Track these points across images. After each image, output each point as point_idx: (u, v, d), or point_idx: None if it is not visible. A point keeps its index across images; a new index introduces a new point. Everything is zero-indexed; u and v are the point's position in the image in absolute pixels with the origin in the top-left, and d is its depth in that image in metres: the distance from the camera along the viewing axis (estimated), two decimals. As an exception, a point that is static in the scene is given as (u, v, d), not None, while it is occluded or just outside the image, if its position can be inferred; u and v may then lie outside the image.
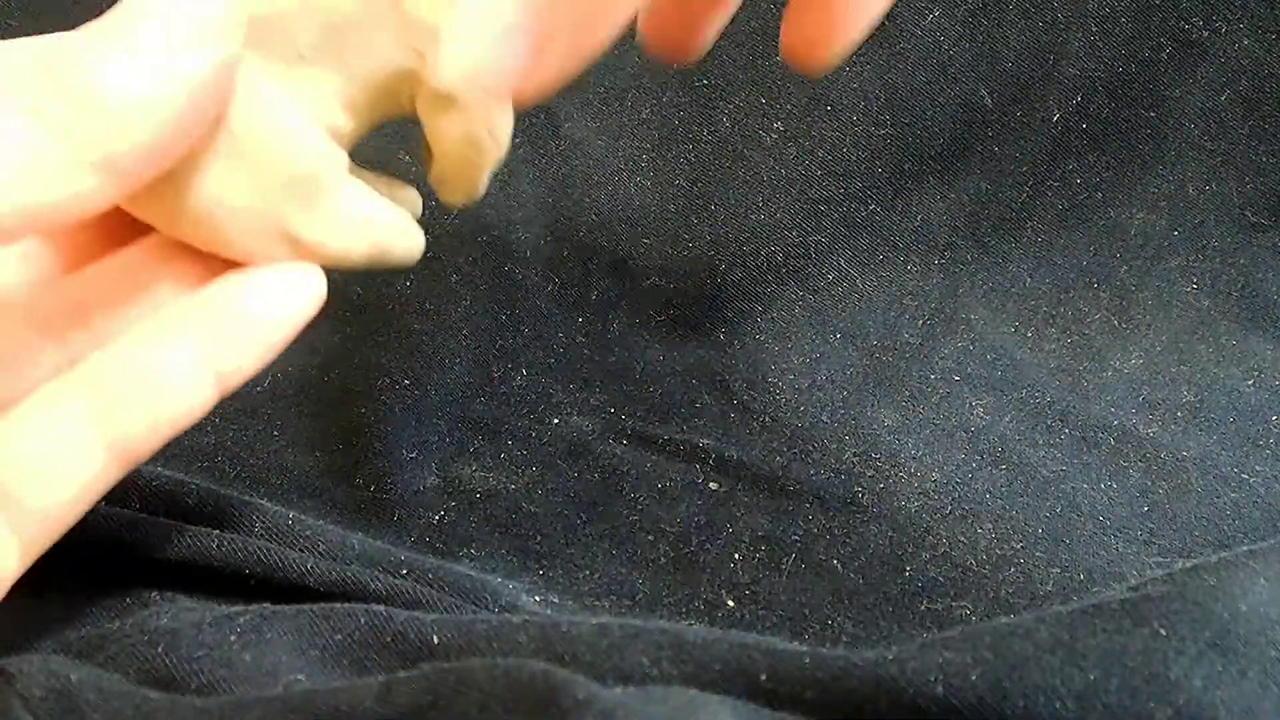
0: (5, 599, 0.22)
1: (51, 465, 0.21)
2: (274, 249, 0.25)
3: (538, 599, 0.30)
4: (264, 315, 0.24)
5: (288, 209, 0.25)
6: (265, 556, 0.29)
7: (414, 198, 0.28)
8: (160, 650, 0.24)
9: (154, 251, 0.25)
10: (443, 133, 0.26)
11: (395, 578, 0.29)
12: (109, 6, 0.21)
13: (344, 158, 0.26)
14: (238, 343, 0.23)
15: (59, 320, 0.24)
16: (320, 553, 0.29)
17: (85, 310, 0.24)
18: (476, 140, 0.26)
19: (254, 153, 0.24)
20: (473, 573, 0.30)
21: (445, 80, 0.25)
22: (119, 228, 0.25)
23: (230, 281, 0.24)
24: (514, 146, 0.49)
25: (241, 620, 0.26)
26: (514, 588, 0.30)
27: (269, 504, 0.33)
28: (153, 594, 0.27)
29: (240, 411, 0.38)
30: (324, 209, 0.26)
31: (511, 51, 0.25)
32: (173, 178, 0.24)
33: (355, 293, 0.43)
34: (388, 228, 0.27)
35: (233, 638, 0.25)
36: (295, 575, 0.28)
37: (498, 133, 0.26)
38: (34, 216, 0.20)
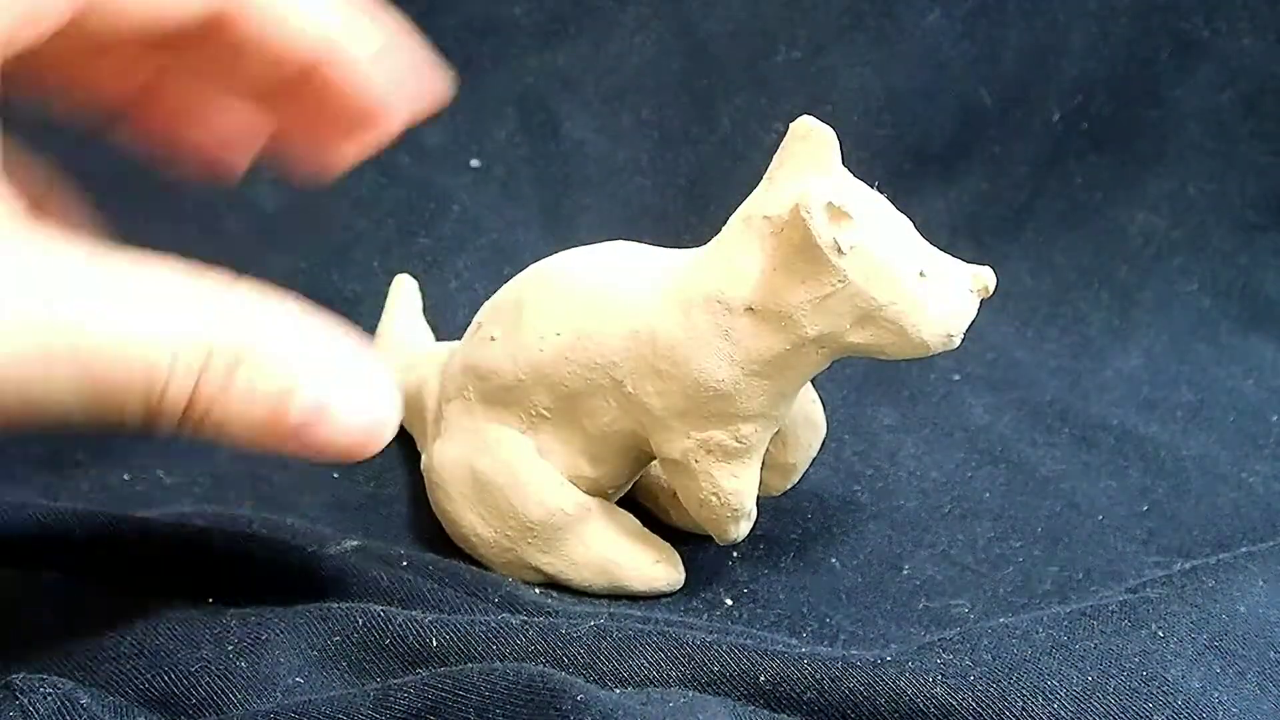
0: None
1: None
2: (521, 574, 0.30)
3: (538, 591, 0.30)
4: None
5: (528, 547, 0.30)
6: (266, 547, 0.29)
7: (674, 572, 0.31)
8: (159, 668, 0.24)
9: None
10: (678, 489, 0.30)
11: (395, 569, 0.29)
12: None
13: (590, 502, 0.30)
14: None
15: None
16: (319, 545, 0.29)
17: None
18: (705, 500, 0.28)
19: (499, 501, 0.30)
20: (473, 566, 0.31)
21: (668, 453, 0.28)
22: None
23: None
24: (514, 146, 0.49)
25: (238, 625, 0.26)
26: (513, 581, 0.30)
27: (266, 507, 0.34)
28: (148, 600, 0.27)
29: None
30: (561, 550, 0.30)
31: None
32: (439, 498, 0.31)
33: (353, 290, 0.43)
34: (624, 570, 0.30)
35: (229, 647, 0.25)
36: (295, 565, 0.28)
37: (725, 495, 0.28)
38: None
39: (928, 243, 0.28)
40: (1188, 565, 0.29)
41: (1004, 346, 0.42)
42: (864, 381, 0.40)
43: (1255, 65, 0.47)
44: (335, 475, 0.36)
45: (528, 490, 0.29)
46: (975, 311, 0.27)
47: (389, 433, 0.23)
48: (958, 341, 0.27)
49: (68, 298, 0.20)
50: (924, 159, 0.47)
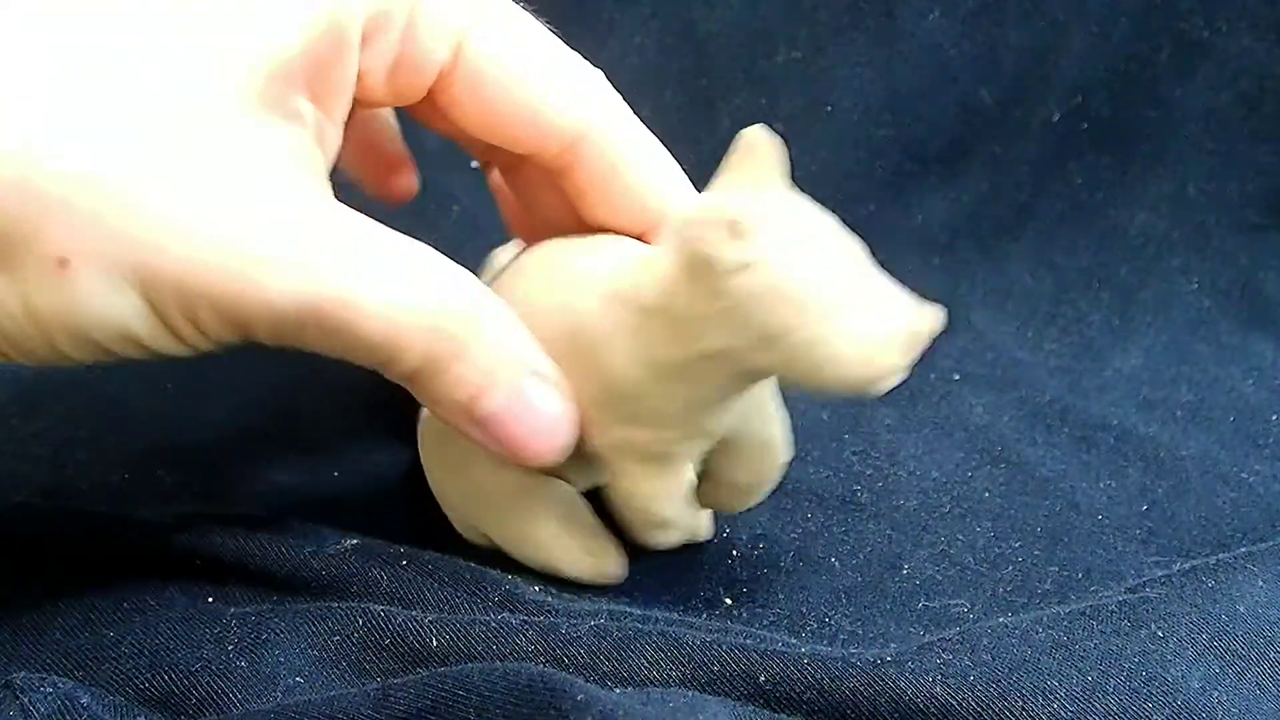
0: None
1: None
2: (474, 538, 0.31)
3: (538, 588, 0.30)
4: None
5: (480, 513, 0.31)
6: (266, 547, 0.29)
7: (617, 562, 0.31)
8: (159, 668, 0.24)
9: None
10: (609, 482, 0.29)
11: (395, 569, 0.29)
12: None
13: (541, 482, 0.30)
14: None
15: None
16: (319, 545, 0.29)
17: None
18: (626, 501, 0.29)
19: (461, 466, 0.30)
20: (473, 564, 0.31)
21: (592, 444, 0.28)
22: None
23: None
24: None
25: (238, 625, 0.26)
26: (513, 579, 0.30)
27: (269, 509, 0.34)
28: (148, 599, 0.27)
29: (240, 409, 0.38)
30: (507, 521, 0.30)
31: None
32: (424, 455, 0.32)
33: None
34: (555, 554, 0.30)
35: (229, 647, 0.25)
36: (295, 565, 0.28)
37: (643, 500, 0.28)
38: None
39: (881, 273, 0.26)
40: (1188, 565, 0.29)
41: (1004, 346, 0.43)
42: (864, 381, 0.40)
43: (1255, 65, 0.47)
44: (335, 475, 0.36)
45: (483, 458, 0.29)
46: (909, 359, 0.25)
47: (559, 447, 0.27)
48: (884, 388, 0.25)
49: (341, 254, 0.24)
50: (924, 159, 0.47)
